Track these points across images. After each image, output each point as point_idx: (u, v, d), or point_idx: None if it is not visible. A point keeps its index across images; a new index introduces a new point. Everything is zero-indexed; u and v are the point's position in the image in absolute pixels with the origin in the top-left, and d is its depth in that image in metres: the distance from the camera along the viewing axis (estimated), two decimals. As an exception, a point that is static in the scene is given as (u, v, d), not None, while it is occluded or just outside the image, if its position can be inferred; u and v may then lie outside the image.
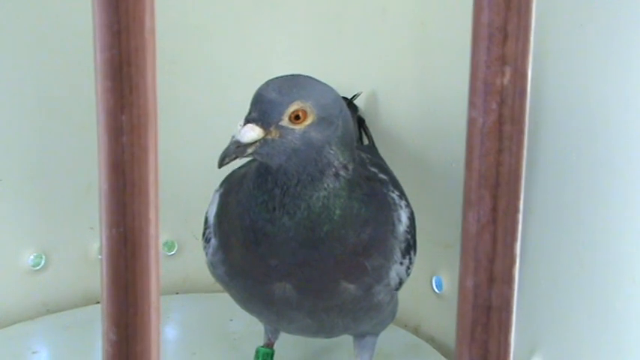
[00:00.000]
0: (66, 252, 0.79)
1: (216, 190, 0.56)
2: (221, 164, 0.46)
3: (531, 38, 0.17)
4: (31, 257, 0.77)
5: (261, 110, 0.46)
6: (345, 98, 0.76)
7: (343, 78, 0.80)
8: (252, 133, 0.45)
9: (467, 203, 0.18)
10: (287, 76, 0.49)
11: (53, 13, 0.75)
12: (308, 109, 0.47)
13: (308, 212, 0.47)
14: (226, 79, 0.80)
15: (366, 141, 0.75)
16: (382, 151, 0.71)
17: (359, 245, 0.49)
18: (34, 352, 0.71)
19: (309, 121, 0.47)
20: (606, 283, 0.50)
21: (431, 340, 0.75)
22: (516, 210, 0.18)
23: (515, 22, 0.17)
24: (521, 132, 0.17)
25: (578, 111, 0.54)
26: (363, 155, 0.56)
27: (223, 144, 0.81)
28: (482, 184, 0.18)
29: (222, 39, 0.79)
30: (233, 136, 0.46)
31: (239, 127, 0.46)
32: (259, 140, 0.46)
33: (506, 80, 0.17)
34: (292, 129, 0.46)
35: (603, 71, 0.51)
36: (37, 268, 0.78)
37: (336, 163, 0.48)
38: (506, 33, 0.17)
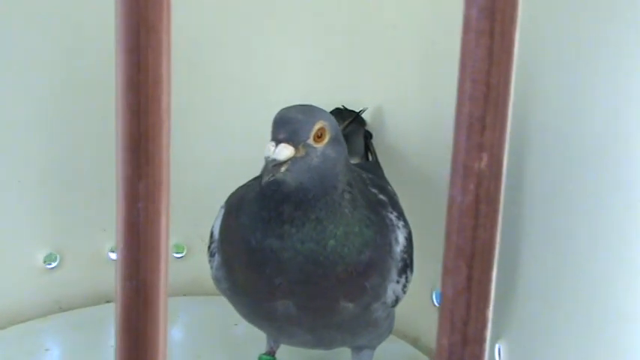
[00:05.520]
0: (79, 252, 0.81)
1: (222, 207, 0.58)
2: (265, 183, 0.49)
3: (508, 128, 0.19)
4: (45, 256, 0.80)
5: (290, 130, 0.49)
6: (352, 112, 0.78)
7: (351, 93, 0.81)
8: (287, 151, 0.48)
9: (445, 270, 0.20)
10: (296, 105, 0.52)
11: (70, 18, 0.77)
12: (327, 128, 0.51)
13: (315, 224, 0.50)
14: (237, 91, 0.82)
15: (370, 157, 0.76)
16: (387, 167, 0.73)
17: (359, 265, 0.51)
18: (46, 350, 0.74)
19: (326, 139, 0.51)
20: (597, 312, 0.52)
21: (429, 352, 0.77)
22: (489, 280, 0.20)
23: (493, 113, 0.19)
24: (495, 211, 0.19)
25: (568, 127, 0.55)
26: (365, 175, 0.58)
27: (234, 151, 0.84)
28: (458, 255, 0.20)
29: (233, 53, 0.81)
30: (267, 157, 0.48)
31: (271, 148, 0.49)
32: (291, 159, 0.49)
33: (483, 165, 0.19)
34: (315, 147, 0.50)
35: (593, 86, 0.52)
36: (51, 266, 0.81)
37: (343, 180, 0.52)
38: (484, 123, 0.19)
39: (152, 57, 0.19)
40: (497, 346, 0.63)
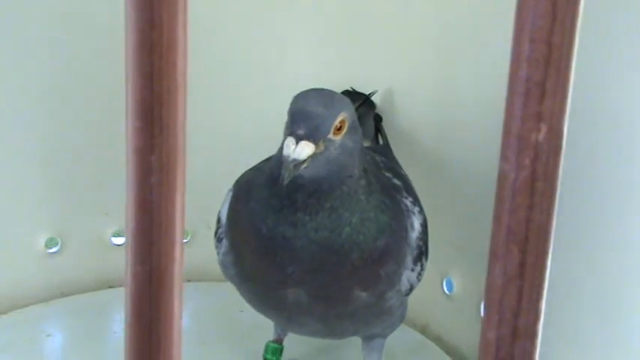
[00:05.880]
0: (81, 236, 0.80)
1: (230, 190, 0.56)
2: (286, 183, 0.46)
3: (569, 95, 0.17)
4: (47, 240, 0.78)
5: (312, 126, 0.46)
6: (362, 94, 0.76)
7: (361, 74, 0.79)
8: (308, 149, 0.46)
9: (493, 256, 0.18)
10: (315, 89, 0.50)
11: (72, 4, 0.74)
12: (347, 120, 0.48)
13: (330, 212, 0.48)
14: (245, 73, 0.80)
15: (380, 141, 0.74)
16: (397, 150, 0.71)
17: (375, 251, 0.49)
18: (48, 335, 0.72)
19: (345, 130, 0.48)
20: (621, 301, 0.50)
21: (438, 340, 0.76)
22: (544, 266, 0.18)
23: (555, 78, 0.17)
24: (553, 189, 0.17)
25: (599, 114, 0.53)
26: (378, 159, 0.56)
27: (241, 135, 0.82)
28: (510, 239, 0.18)
29: (241, 33, 0.79)
30: (287, 155, 0.45)
31: (292, 146, 0.46)
32: (311, 156, 0.46)
33: (541, 137, 0.17)
34: (334, 140, 0.48)
35: (630, 88, 0.50)
36: (53, 251, 0.79)
37: (359, 167, 0.50)
38: (544, 89, 0.17)
39: (167, 13, 0.17)
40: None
